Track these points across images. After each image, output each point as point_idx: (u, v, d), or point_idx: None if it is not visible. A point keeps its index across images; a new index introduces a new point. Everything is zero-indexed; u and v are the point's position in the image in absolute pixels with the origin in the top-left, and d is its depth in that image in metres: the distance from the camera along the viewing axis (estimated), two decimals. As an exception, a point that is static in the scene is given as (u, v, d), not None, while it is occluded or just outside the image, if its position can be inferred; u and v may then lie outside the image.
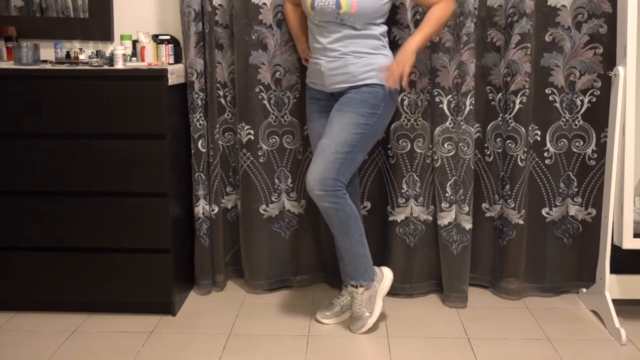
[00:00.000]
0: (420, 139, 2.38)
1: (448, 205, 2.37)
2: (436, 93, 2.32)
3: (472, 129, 2.32)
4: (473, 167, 2.39)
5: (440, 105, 2.32)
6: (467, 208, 2.36)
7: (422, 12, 2.24)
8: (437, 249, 2.45)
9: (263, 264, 2.51)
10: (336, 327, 2.22)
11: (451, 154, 2.34)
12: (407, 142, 2.36)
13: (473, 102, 2.30)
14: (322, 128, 2.15)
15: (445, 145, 2.34)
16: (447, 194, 2.35)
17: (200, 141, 2.38)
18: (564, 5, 2.28)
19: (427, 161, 2.40)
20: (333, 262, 2.49)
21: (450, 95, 2.31)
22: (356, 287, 2.15)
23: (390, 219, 2.46)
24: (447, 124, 2.33)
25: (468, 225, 2.37)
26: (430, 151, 2.39)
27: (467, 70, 2.26)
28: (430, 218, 2.45)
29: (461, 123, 2.31)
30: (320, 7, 2.03)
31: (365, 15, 2.03)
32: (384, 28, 2.12)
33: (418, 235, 2.44)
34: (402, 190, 2.42)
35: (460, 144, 2.32)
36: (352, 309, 2.18)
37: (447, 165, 2.34)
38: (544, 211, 2.45)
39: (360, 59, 2.06)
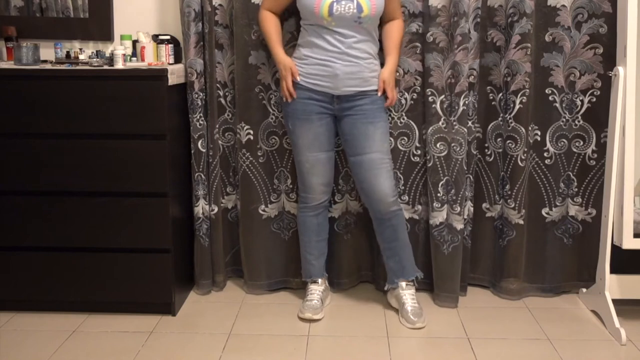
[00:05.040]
0: (405, 137, 2.39)
1: (440, 205, 2.36)
2: (429, 93, 2.32)
3: (465, 129, 2.32)
4: (472, 167, 2.39)
5: (433, 105, 2.32)
6: (459, 208, 2.36)
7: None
8: (423, 248, 2.48)
9: (262, 264, 2.51)
10: (336, 327, 2.22)
11: (443, 154, 2.33)
12: (390, 140, 2.35)
13: (467, 102, 2.30)
14: (322, 128, 2.21)
15: (438, 145, 2.34)
16: (439, 194, 2.35)
17: (200, 141, 2.38)
18: (564, 5, 2.28)
19: (414, 160, 2.40)
20: (333, 264, 2.49)
21: (443, 95, 2.32)
22: (413, 282, 2.34)
23: None
24: (440, 124, 2.33)
25: (459, 226, 2.37)
26: (418, 150, 2.40)
27: (461, 70, 2.26)
28: (416, 217, 2.46)
29: (454, 123, 2.31)
30: (340, 12, 2.06)
31: (378, 16, 2.13)
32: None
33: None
34: None
35: (452, 144, 2.32)
36: (410, 304, 2.26)
37: (439, 165, 2.34)
38: (544, 211, 2.45)
39: (369, 64, 2.17)
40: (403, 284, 2.31)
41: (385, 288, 2.38)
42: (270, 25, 2.22)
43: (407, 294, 2.29)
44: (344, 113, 2.19)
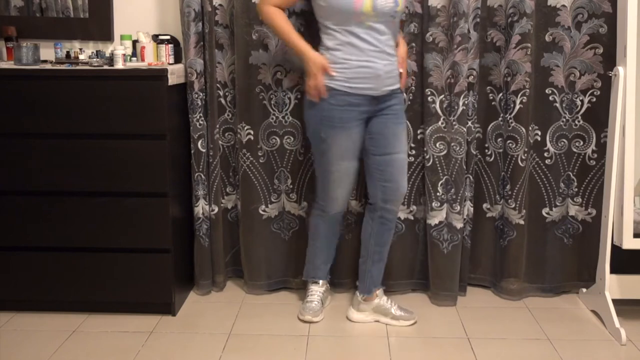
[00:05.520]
0: None
1: (439, 204, 2.37)
2: (429, 93, 2.32)
3: (465, 129, 2.32)
4: (472, 167, 2.39)
5: (433, 105, 2.33)
6: (459, 207, 2.36)
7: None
8: (418, 248, 2.48)
9: (262, 264, 2.51)
10: (336, 327, 2.23)
11: (443, 153, 2.34)
12: None
13: (466, 102, 2.31)
14: (357, 136, 2.13)
15: (437, 145, 2.34)
16: (438, 193, 2.36)
17: (200, 141, 2.38)
18: (564, 5, 2.28)
19: (408, 160, 2.40)
20: (334, 265, 2.48)
21: (442, 95, 2.32)
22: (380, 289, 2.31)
23: None
24: (439, 123, 2.33)
25: (459, 225, 2.37)
26: (413, 150, 2.40)
27: (460, 70, 2.26)
28: (411, 217, 2.46)
29: (454, 123, 2.31)
30: (382, 6, 2.01)
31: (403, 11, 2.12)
32: None
33: (397, 234, 2.44)
34: None
35: (452, 144, 2.32)
36: (395, 306, 2.26)
37: (438, 165, 2.35)
38: (544, 211, 2.45)
39: (396, 61, 2.15)
40: (379, 291, 2.29)
41: (362, 298, 2.28)
42: (283, 20, 2.08)
43: (386, 300, 2.28)
44: (377, 113, 2.14)
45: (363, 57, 2.04)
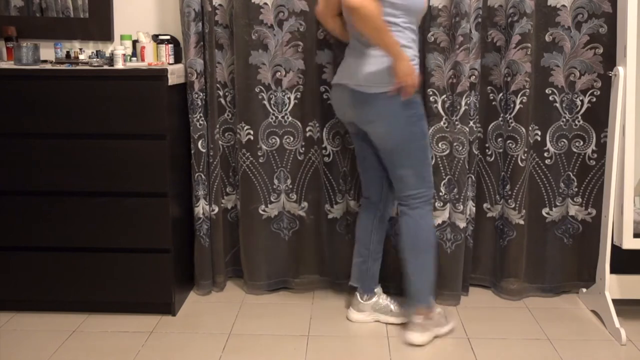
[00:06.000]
0: None
1: (442, 204, 2.37)
2: (430, 93, 2.32)
3: (467, 129, 2.32)
4: (474, 167, 2.39)
5: (435, 105, 2.33)
6: (462, 207, 2.36)
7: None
8: None
9: (262, 264, 2.51)
10: (336, 327, 2.22)
11: (445, 153, 2.34)
12: None
13: (469, 102, 2.30)
14: None
15: (440, 145, 2.34)
16: (441, 193, 2.35)
17: (200, 141, 2.38)
18: (564, 5, 2.28)
19: None
20: (334, 265, 2.48)
21: (444, 95, 2.32)
22: None
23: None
24: (442, 123, 2.33)
25: (462, 224, 2.37)
26: None
27: (462, 70, 2.26)
28: None
29: (456, 123, 2.31)
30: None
31: None
32: None
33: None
34: None
35: (454, 144, 2.32)
36: (395, 303, 2.26)
37: (441, 165, 2.35)
38: (544, 211, 2.45)
39: None
40: (377, 289, 2.29)
41: (364, 300, 2.26)
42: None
43: (385, 297, 2.28)
44: None
45: (417, 52, 2.06)
